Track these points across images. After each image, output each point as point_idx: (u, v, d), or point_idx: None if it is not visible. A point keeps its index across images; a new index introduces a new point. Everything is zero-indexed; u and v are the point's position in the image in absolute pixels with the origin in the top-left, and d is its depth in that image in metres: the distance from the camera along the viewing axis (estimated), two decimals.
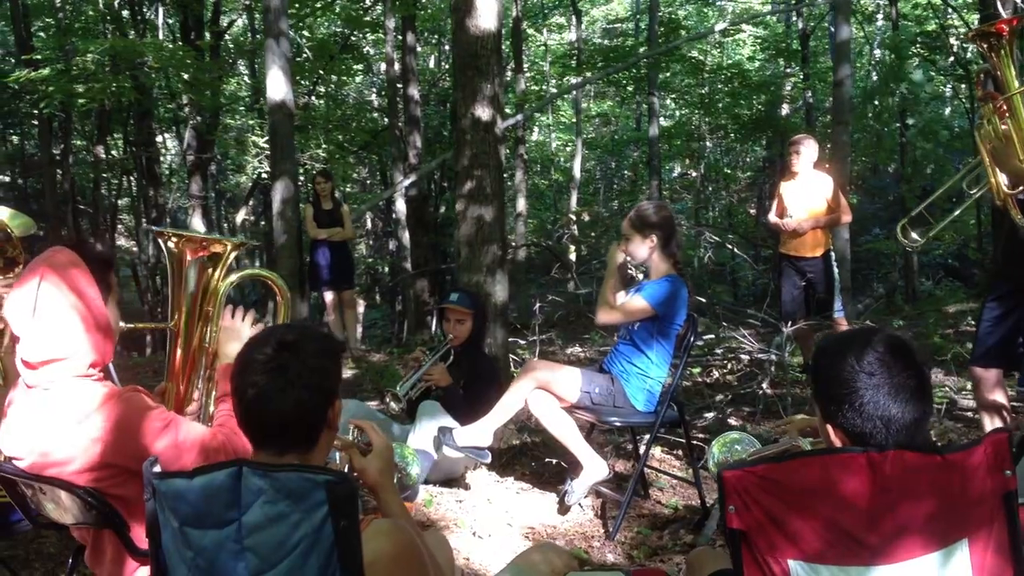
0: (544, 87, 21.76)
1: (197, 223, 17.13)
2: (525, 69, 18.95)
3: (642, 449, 4.57)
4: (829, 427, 1.99)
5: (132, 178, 21.21)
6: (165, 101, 18.69)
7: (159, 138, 22.88)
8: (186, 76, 14.08)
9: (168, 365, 2.97)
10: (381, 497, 2.34)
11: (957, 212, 5.08)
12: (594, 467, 4.38)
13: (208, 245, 2.87)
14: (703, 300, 9.72)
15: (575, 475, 4.46)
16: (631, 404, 4.39)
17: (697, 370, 7.45)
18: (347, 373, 8.52)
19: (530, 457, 5.34)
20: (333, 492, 1.84)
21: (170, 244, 2.83)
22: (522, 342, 8.01)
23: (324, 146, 15.91)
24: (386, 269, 22.54)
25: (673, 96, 21.58)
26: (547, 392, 4.37)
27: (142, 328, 3.39)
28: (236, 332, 2.89)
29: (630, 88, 19.87)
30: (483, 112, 5.29)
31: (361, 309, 19.72)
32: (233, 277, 2.99)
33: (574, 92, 19.93)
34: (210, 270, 2.88)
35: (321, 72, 14.15)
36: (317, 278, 9.75)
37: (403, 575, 2.00)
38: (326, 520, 1.84)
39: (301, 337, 2.04)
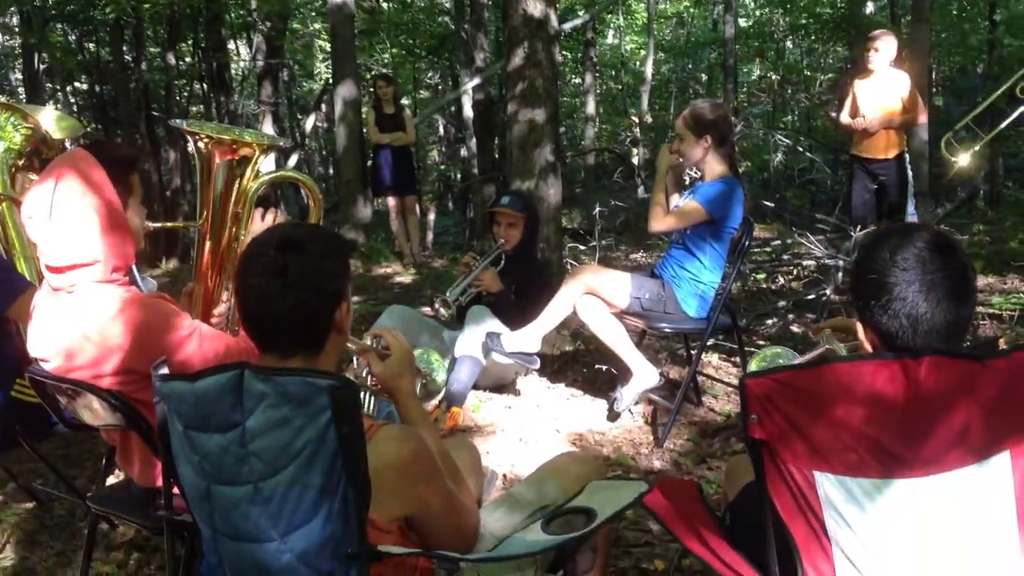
0: None
1: (268, 128, 17.21)
2: None
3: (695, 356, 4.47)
4: (860, 326, 1.87)
5: (204, 84, 21.37)
6: (237, 7, 18.54)
7: (230, 44, 22.93)
8: None
9: (196, 266, 2.93)
10: (400, 401, 2.28)
11: (1004, 124, 4.75)
12: (644, 374, 4.29)
13: (237, 147, 2.78)
14: (771, 204, 9.45)
15: (625, 382, 4.38)
16: (682, 310, 4.26)
17: (762, 276, 7.26)
18: (407, 279, 8.52)
19: (582, 364, 5.27)
20: (335, 397, 1.78)
21: (199, 144, 2.76)
22: (583, 247, 7.89)
23: (391, 50, 15.70)
24: (457, 175, 22.45)
25: None
26: (596, 297, 4.27)
27: (171, 228, 3.36)
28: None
29: None
30: (535, 8, 5.09)
31: (432, 216, 19.80)
32: (264, 178, 2.92)
33: None
34: (239, 171, 2.81)
35: None
36: (379, 183, 9.70)
37: (411, 481, 1.94)
38: (329, 425, 1.79)
39: (306, 237, 1.96)
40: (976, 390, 1.69)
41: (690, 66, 25.71)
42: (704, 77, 25.12)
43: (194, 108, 22.83)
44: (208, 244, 2.85)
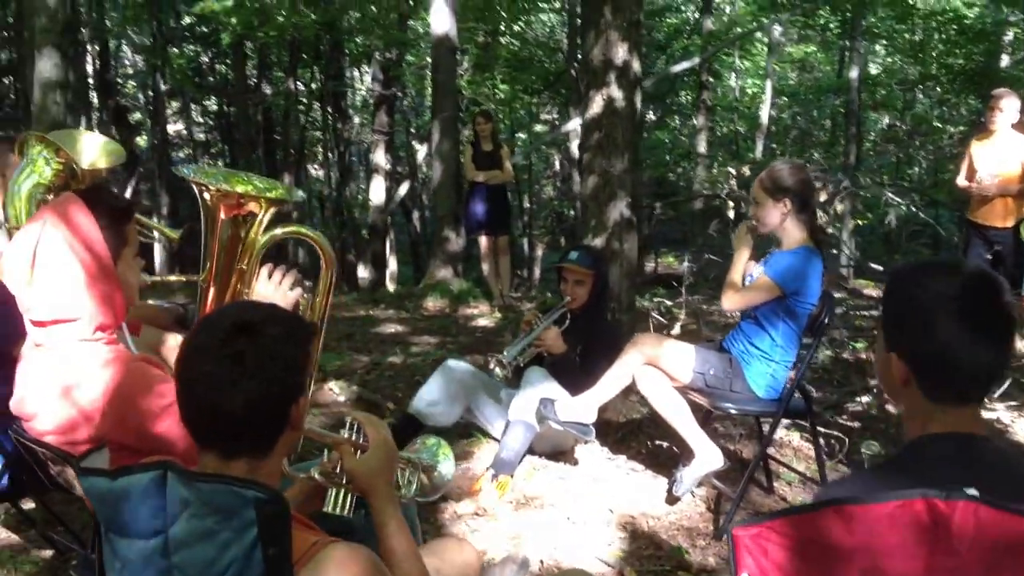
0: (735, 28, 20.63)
1: (380, 157, 17.36)
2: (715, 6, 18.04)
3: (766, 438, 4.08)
4: (892, 357, 1.64)
5: (327, 110, 21.75)
6: (359, 34, 18.77)
7: (350, 72, 23.31)
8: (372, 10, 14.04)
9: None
10: (374, 505, 2.01)
11: None
12: (707, 455, 3.93)
13: (244, 201, 2.56)
14: (878, 267, 8.92)
15: (686, 462, 4.02)
16: (750, 390, 3.89)
17: (861, 345, 6.77)
18: (490, 322, 8.27)
19: (647, 435, 4.90)
20: (262, 512, 1.54)
21: (205, 195, 2.55)
22: (670, 302, 7.54)
23: (501, 86, 15.61)
24: (570, 211, 22.21)
25: (883, 43, 20.13)
26: (657, 369, 3.93)
27: (172, 282, 3.17)
28: (270, 293, 2.60)
29: (833, 27, 18.55)
30: (617, 53, 4.79)
31: (540, 251, 19.61)
32: (276, 232, 2.70)
33: (765, 33, 18.77)
34: (245, 225, 2.59)
35: (500, 10, 13.81)
36: (473, 221, 9.50)
37: None
38: (256, 545, 1.55)
39: (263, 319, 1.71)
40: None
41: (815, 113, 25.00)
42: (828, 124, 24.35)
43: (313, 134, 23.27)
44: (211, 301, 2.64)
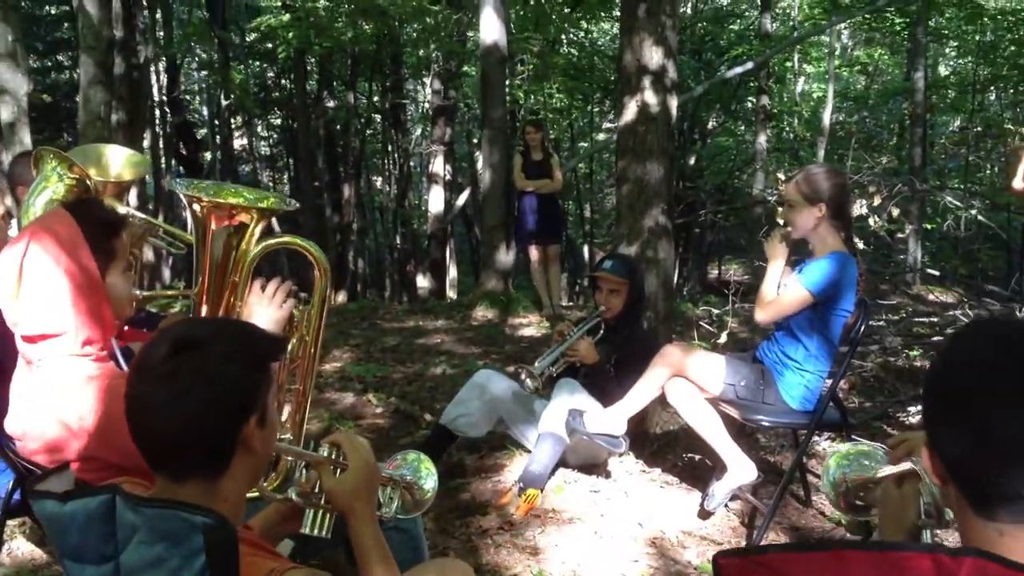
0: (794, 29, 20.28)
1: (439, 167, 17.43)
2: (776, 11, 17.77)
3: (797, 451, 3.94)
4: (926, 453, 1.38)
5: (387, 122, 21.92)
6: (419, 46, 18.87)
7: (411, 84, 23.47)
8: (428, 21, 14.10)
9: None
10: (353, 526, 1.94)
11: None
12: (739, 468, 3.81)
13: (235, 212, 2.52)
14: (935, 272, 8.64)
15: (719, 476, 3.90)
16: (783, 401, 3.76)
17: (916, 352, 6.55)
18: (537, 332, 8.20)
19: (684, 447, 4.77)
20: (209, 539, 1.48)
21: (194, 207, 2.52)
22: (716, 311, 7.39)
23: (558, 94, 15.57)
24: None
25: (954, 45, 19.63)
26: (687, 380, 3.83)
27: (162, 296, 3.12)
28: (262, 311, 2.54)
29: (899, 29, 18.12)
30: (651, 57, 4.69)
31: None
32: (270, 241, 2.65)
33: (827, 35, 18.39)
34: (236, 237, 2.55)
35: (554, 18, 13.78)
36: (523, 230, 9.43)
37: None
38: (205, 571, 1.49)
39: (208, 335, 1.64)
40: None
41: (884, 117, 24.47)
42: (895, 127, 23.81)
43: (374, 145, 23.46)
44: (204, 315, 2.60)
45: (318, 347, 2.65)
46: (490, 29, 9.35)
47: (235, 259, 2.53)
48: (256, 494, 2.53)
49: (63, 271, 2.23)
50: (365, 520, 1.95)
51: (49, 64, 22.75)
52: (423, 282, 18.80)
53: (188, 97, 25.22)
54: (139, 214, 3.39)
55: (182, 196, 2.50)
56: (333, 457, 2.00)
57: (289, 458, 2.48)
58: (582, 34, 19.29)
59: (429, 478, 2.29)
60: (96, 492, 1.57)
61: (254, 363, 1.67)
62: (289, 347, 2.64)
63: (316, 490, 2.00)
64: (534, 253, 9.37)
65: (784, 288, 3.82)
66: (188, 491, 1.61)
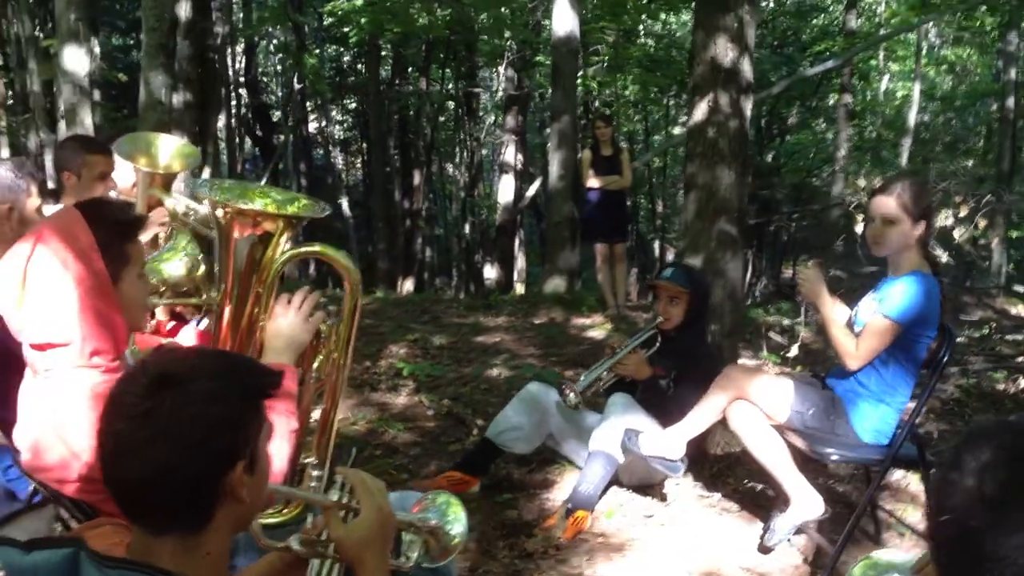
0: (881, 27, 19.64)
1: (510, 156, 17.24)
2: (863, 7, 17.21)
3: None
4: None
5: (459, 109, 21.82)
6: (495, 34, 18.72)
7: (485, 72, 23.32)
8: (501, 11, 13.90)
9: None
10: None
11: None
12: (804, 502, 3.53)
13: (260, 220, 2.33)
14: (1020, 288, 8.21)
15: (782, 508, 3.63)
16: (855, 433, 3.47)
17: (1000, 375, 6.17)
18: (600, 333, 7.95)
19: (747, 470, 4.49)
20: None
21: (217, 212, 2.34)
22: (787, 321, 7.08)
23: (632, 86, 15.27)
24: None
25: None
26: (752, 405, 3.56)
27: (180, 304, 2.95)
28: (286, 323, 2.36)
29: (989, 29, 17.45)
30: (724, 54, 4.41)
31: (671, 257, 19.16)
32: (298, 250, 2.46)
33: (914, 33, 17.76)
34: (261, 246, 2.36)
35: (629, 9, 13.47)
36: (590, 227, 9.18)
37: None
38: None
39: (191, 371, 1.44)
40: None
41: (971, 119, 23.65)
42: (983, 130, 22.99)
43: (443, 134, 23.37)
44: (225, 325, 2.42)
45: (347, 365, 2.45)
46: (563, 20, 9.11)
47: (259, 267, 2.35)
48: (272, 520, 2.36)
49: (71, 276, 2.06)
50: (376, 573, 1.74)
51: (131, 42, 22.98)
52: (490, 272, 18.64)
53: (265, 79, 25.39)
54: (196, 205, 3.20)
55: (205, 201, 2.32)
56: (343, 501, 1.79)
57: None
58: (660, 25, 18.92)
59: (457, 523, 2.07)
60: (60, 546, 1.38)
61: (243, 402, 1.48)
62: (316, 365, 2.46)
63: (322, 538, 1.79)
64: (600, 251, 9.12)
65: (857, 316, 3.52)
66: (165, 546, 1.43)
